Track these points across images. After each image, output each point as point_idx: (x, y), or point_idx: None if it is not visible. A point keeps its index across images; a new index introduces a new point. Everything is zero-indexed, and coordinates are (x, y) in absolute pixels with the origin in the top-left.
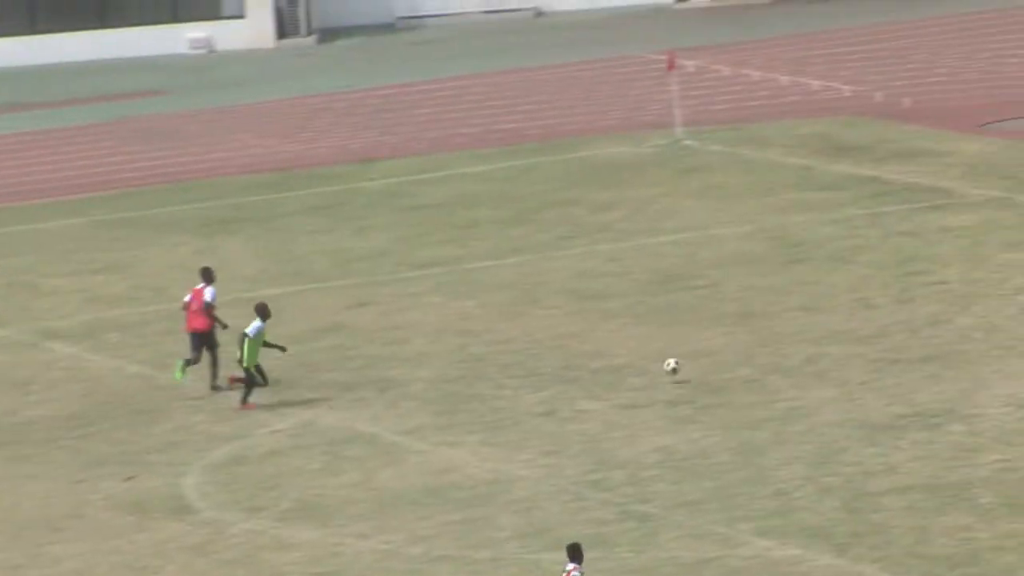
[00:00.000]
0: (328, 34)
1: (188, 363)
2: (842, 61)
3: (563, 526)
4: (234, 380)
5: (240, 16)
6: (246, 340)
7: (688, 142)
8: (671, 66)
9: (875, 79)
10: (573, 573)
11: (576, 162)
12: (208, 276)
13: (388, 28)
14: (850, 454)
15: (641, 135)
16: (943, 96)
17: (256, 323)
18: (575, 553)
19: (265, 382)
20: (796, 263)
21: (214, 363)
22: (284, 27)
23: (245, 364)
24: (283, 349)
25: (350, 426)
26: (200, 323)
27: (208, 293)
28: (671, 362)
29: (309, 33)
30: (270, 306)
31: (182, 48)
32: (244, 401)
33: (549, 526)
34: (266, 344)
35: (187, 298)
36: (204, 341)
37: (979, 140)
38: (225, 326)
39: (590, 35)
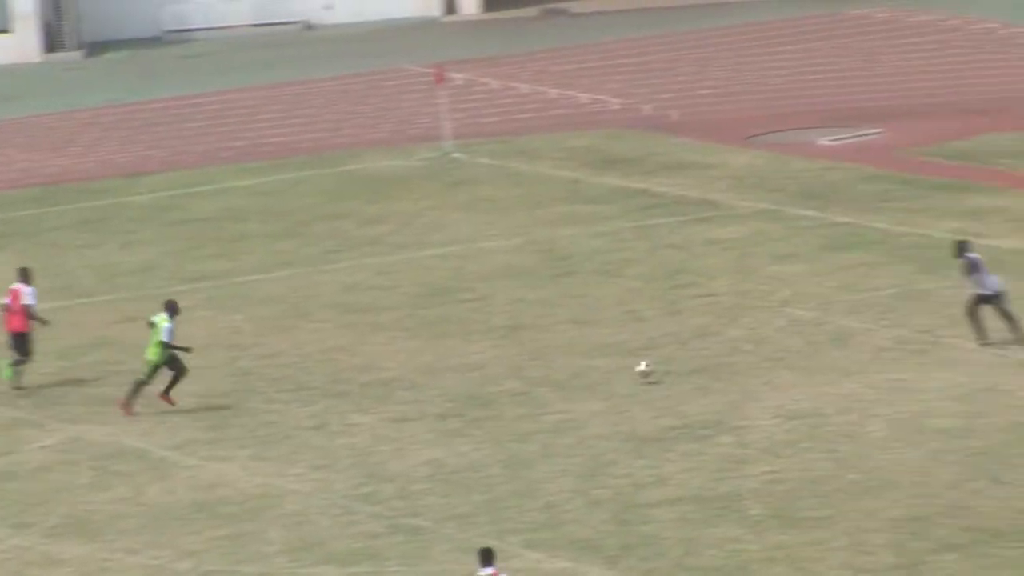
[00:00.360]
0: (96, 48)
1: (17, 363)
2: (610, 74)
3: (333, 540)
4: (163, 397)
5: (5, 30)
6: (160, 344)
7: (456, 155)
8: (439, 79)
9: (643, 92)
10: None
11: (345, 176)
12: (25, 276)
13: (156, 41)
14: (619, 466)
15: (410, 148)
16: (710, 109)
17: (167, 324)
18: (487, 557)
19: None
20: (565, 276)
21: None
22: (51, 41)
23: (155, 360)
24: (187, 350)
25: (118, 441)
26: (19, 324)
27: (28, 294)
28: (643, 364)
29: (77, 47)
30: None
31: None
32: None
33: (320, 540)
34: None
35: (5, 300)
36: (25, 341)
37: (746, 153)
38: (46, 322)
39: (359, 48)
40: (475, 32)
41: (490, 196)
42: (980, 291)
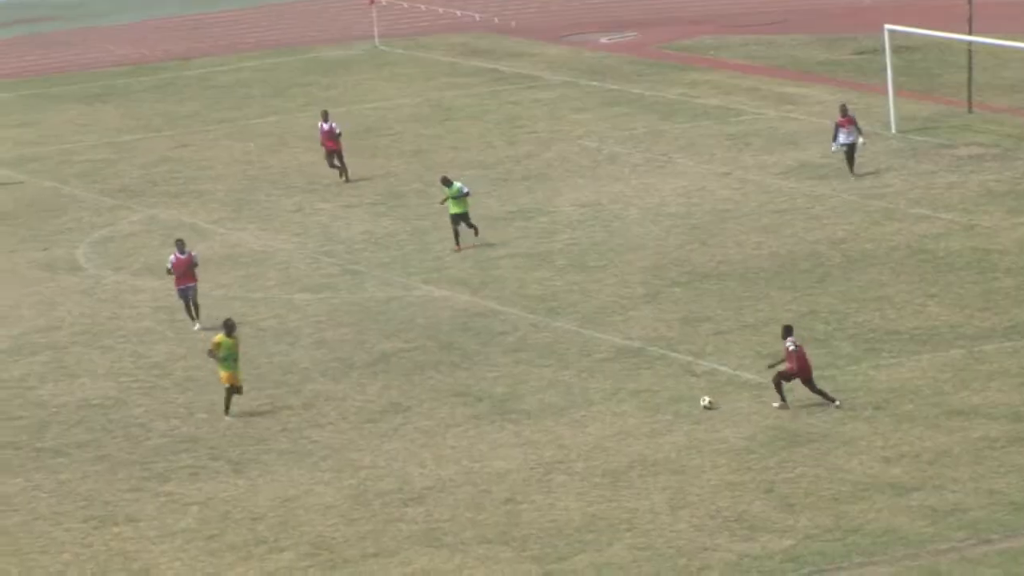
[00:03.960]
0: None
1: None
2: None
3: (306, 278)
4: None
5: None
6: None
7: (382, 48)
8: (371, 1)
9: (494, 9)
10: (790, 346)
11: (311, 60)
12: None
13: None
14: (431, 235)
15: (352, 44)
16: (536, 19)
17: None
18: (787, 331)
19: None
20: (448, 121)
21: None
22: None
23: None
24: None
25: (177, 218)
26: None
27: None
28: (705, 399)
29: None
30: None
31: None
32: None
33: (298, 278)
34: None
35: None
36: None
37: (557, 47)
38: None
39: None
40: None
41: (402, 73)
42: (845, 142)
